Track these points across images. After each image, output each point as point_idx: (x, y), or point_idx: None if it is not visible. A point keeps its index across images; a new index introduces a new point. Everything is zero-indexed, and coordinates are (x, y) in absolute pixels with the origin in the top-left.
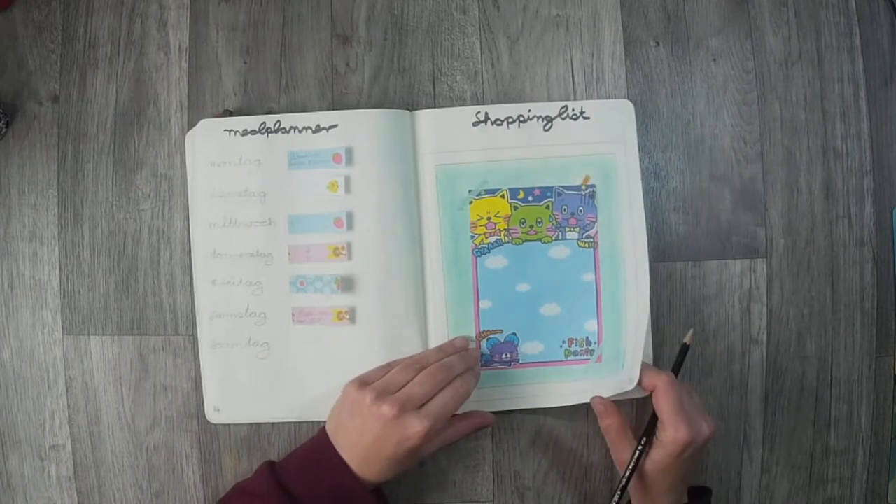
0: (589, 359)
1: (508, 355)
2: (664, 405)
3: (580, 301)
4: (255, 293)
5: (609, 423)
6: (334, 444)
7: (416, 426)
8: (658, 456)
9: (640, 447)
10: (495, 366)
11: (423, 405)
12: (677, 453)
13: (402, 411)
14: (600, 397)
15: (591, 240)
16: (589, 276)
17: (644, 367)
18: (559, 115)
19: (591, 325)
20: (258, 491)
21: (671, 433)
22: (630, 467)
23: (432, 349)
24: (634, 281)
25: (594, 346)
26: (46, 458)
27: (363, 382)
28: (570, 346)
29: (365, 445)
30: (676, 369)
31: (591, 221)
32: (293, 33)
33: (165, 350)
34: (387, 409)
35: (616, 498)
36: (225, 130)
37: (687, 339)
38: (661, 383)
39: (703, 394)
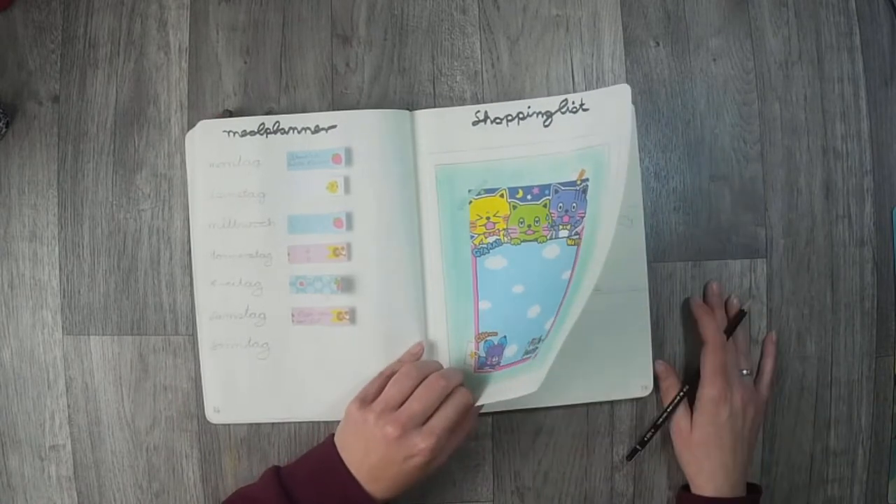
0: (529, 357)
1: (496, 359)
2: (707, 362)
3: (553, 300)
4: (255, 294)
5: (668, 384)
6: (343, 460)
7: (420, 444)
8: (699, 419)
9: (680, 393)
10: (486, 369)
11: (427, 420)
12: (714, 413)
13: (404, 431)
14: (663, 362)
15: (578, 236)
16: (566, 275)
17: (708, 320)
18: (559, 109)
19: (548, 324)
20: (263, 497)
21: (706, 389)
22: (667, 408)
23: (412, 363)
24: (591, 275)
25: (540, 343)
26: (46, 458)
27: (363, 401)
28: (529, 346)
29: (371, 464)
30: (728, 333)
31: (581, 217)
32: (293, 33)
33: (165, 350)
34: (390, 430)
35: (648, 434)
36: (224, 131)
37: (745, 307)
38: (711, 342)
39: None
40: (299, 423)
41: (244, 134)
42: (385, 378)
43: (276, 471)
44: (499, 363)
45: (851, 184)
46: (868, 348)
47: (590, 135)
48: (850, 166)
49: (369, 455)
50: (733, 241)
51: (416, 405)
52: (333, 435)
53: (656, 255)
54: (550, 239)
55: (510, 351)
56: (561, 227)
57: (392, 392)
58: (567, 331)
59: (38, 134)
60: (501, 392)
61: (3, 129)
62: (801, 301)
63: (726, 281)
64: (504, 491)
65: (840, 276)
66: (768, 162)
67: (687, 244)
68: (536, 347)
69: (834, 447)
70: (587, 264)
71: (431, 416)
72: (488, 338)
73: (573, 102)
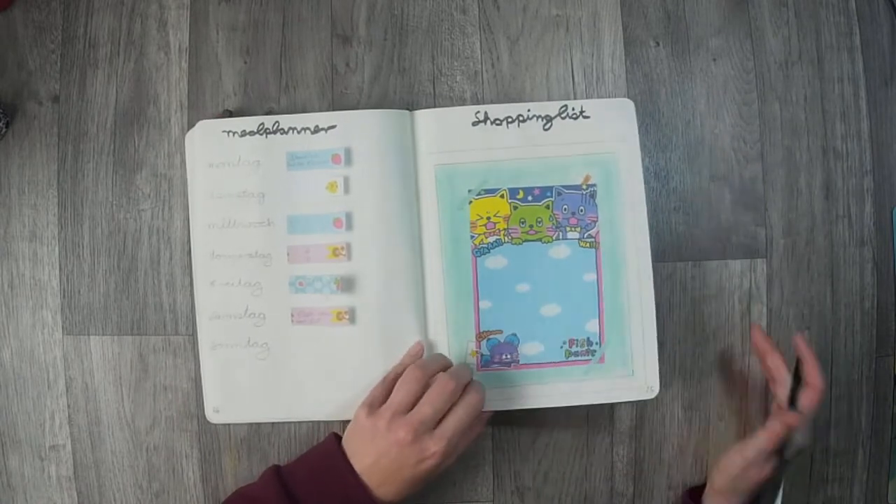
0: (590, 359)
1: (508, 356)
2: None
3: (581, 301)
4: (255, 294)
5: (775, 363)
6: (352, 461)
7: (432, 447)
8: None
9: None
10: (495, 366)
11: (438, 422)
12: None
13: (416, 435)
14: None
15: (592, 239)
16: (590, 276)
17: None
18: (559, 114)
19: (591, 326)
20: (263, 497)
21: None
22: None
23: (421, 361)
24: (637, 283)
25: (595, 346)
26: (46, 458)
27: (371, 406)
28: (570, 347)
29: (382, 469)
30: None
31: (593, 221)
32: (293, 33)
33: (165, 350)
34: (402, 434)
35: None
36: (223, 132)
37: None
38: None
39: (703, 394)
40: (299, 423)
41: (244, 134)
42: (390, 382)
43: (277, 470)
44: (515, 360)
45: (851, 184)
46: (868, 348)
47: (593, 141)
48: (850, 166)
49: (380, 460)
50: (733, 241)
51: (426, 409)
52: (334, 434)
53: (656, 255)
54: (557, 239)
55: (531, 349)
56: (568, 228)
57: (400, 396)
58: (644, 337)
59: (38, 134)
60: (596, 393)
61: (3, 129)
62: (801, 301)
63: (726, 281)
64: (504, 491)
65: (840, 276)
66: (768, 162)
67: (687, 244)
68: (594, 350)
69: (834, 447)
70: (619, 268)
71: (443, 417)
72: (491, 336)
73: (573, 109)
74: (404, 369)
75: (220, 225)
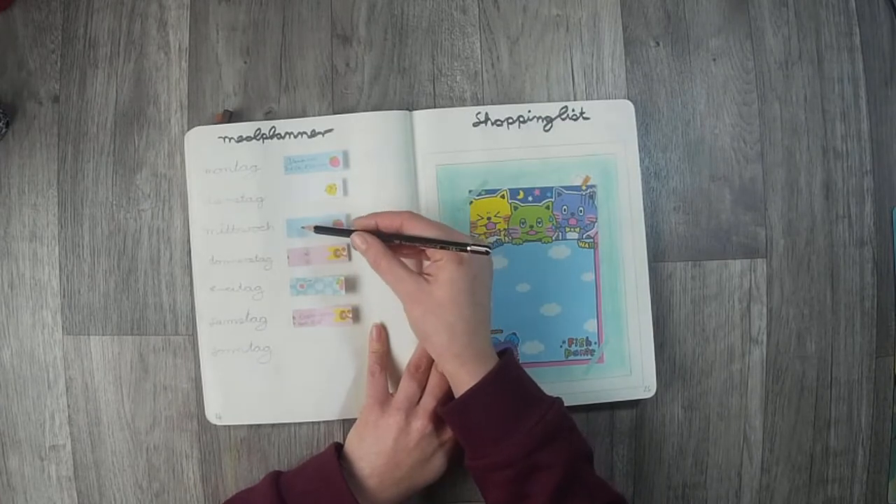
0: (590, 359)
1: None
2: (431, 230)
3: (580, 301)
4: (255, 298)
5: (375, 253)
6: (356, 466)
7: (450, 431)
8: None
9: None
10: None
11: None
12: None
13: (434, 423)
14: (358, 233)
15: (591, 240)
16: (589, 276)
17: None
18: (559, 115)
19: (590, 325)
20: None
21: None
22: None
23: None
24: (634, 283)
25: (594, 345)
26: (46, 458)
27: (382, 403)
28: (570, 346)
29: (396, 464)
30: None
31: (592, 222)
32: (293, 33)
33: (165, 350)
34: (421, 425)
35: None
36: (219, 137)
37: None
38: (403, 218)
39: (703, 394)
40: (299, 423)
41: (241, 139)
42: (380, 376)
43: (276, 478)
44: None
45: (851, 184)
46: (868, 348)
47: (592, 143)
48: (850, 166)
49: (397, 454)
50: (733, 241)
51: (434, 393)
52: (335, 443)
53: (656, 255)
54: (557, 240)
55: (531, 348)
56: (568, 228)
57: (407, 390)
58: (641, 337)
59: (38, 134)
60: (597, 394)
61: (3, 129)
62: (801, 301)
63: (726, 281)
64: None
65: (840, 276)
66: (768, 162)
67: (687, 244)
68: (592, 349)
69: (834, 447)
70: (617, 268)
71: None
72: (492, 335)
73: (573, 110)
74: (380, 358)
75: (218, 230)
